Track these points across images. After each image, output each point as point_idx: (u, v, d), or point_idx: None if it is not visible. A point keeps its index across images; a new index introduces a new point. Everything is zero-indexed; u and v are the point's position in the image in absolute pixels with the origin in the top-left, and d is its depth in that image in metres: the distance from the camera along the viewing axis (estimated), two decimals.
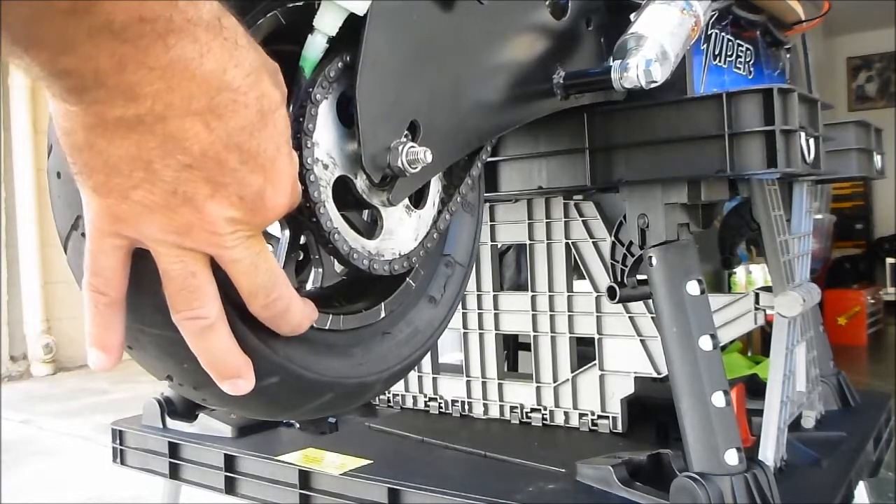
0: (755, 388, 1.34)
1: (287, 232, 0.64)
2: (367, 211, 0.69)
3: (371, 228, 0.68)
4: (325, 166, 0.61)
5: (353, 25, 0.61)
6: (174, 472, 1.38)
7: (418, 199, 0.73)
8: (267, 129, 0.45)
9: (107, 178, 0.43)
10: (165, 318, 0.50)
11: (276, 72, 0.47)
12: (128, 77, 0.39)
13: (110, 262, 0.46)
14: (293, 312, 0.53)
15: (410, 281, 0.74)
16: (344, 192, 0.63)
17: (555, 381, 1.37)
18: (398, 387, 1.57)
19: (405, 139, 0.65)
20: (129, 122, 0.41)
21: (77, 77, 0.39)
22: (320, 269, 0.68)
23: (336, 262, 0.67)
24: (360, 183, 0.64)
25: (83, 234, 0.54)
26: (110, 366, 0.50)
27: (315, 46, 0.60)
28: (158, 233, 0.44)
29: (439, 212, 0.75)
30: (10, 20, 0.36)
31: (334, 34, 0.60)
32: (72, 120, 0.42)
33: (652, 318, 1.26)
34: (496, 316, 1.44)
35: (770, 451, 1.08)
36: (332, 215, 0.61)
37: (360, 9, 0.60)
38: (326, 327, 0.64)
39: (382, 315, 0.70)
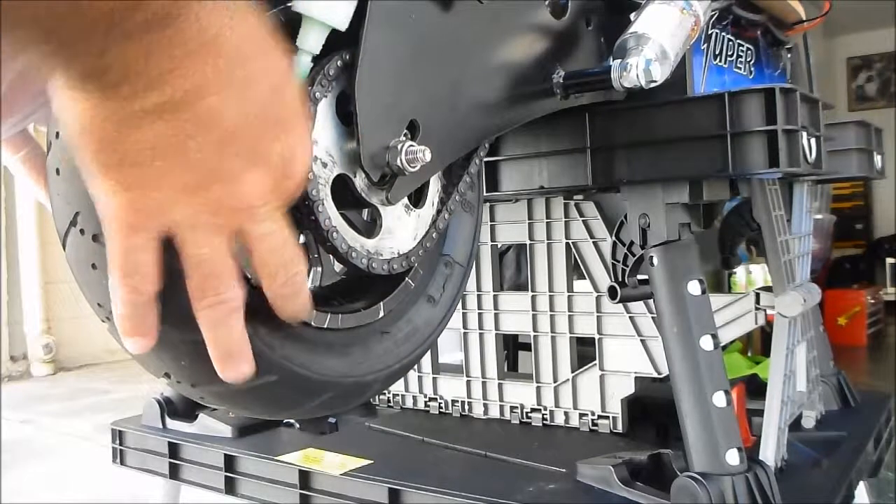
0: (755, 388, 1.34)
1: None
2: (365, 210, 0.69)
3: (370, 227, 0.68)
4: (324, 164, 0.61)
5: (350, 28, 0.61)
6: (174, 473, 1.38)
7: (417, 199, 0.73)
8: (283, 93, 0.45)
9: (139, 168, 0.42)
10: (163, 314, 0.50)
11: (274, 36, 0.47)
12: (165, 63, 0.39)
13: (145, 257, 0.45)
14: (307, 289, 0.53)
15: (409, 280, 0.74)
16: (343, 191, 0.63)
17: (555, 381, 1.37)
18: (398, 387, 1.56)
19: (404, 138, 0.65)
20: (164, 106, 0.41)
21: (118, 71, 0.39)
22: (319, 268, 0.68)
23: (335, 261, 0.67)
24: (359, 181, 0.64)
25: (82, 231, 0.53)
26: (151, 346, 0.49)
27: (301, 66, 0.59)
28: (192, 215, 0.44)
29: (438, 211, 0.75)
30: (62, 33, 0.36)
31: (318, 52, 0.59)
32: (99, 117, 0.41)
33: (652, 318, 1.26)
34: (496, 316, 1.44)
35: (770, 451, 1.08)
36: (330, 214, 0.61)
37: (342, 24, 0.59)
38: (325, 326, 0.64)
39: (381, 314, 0.70)
